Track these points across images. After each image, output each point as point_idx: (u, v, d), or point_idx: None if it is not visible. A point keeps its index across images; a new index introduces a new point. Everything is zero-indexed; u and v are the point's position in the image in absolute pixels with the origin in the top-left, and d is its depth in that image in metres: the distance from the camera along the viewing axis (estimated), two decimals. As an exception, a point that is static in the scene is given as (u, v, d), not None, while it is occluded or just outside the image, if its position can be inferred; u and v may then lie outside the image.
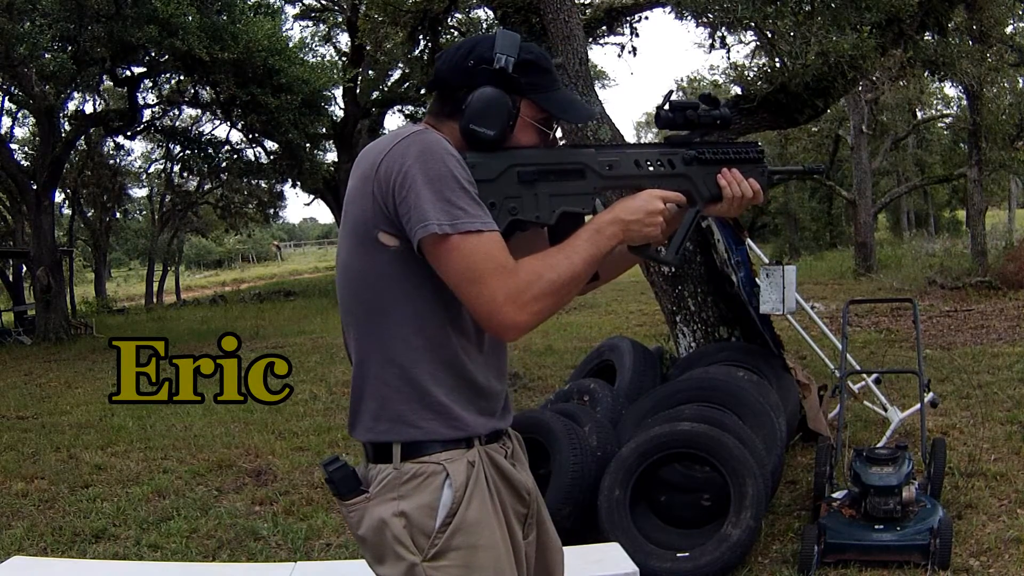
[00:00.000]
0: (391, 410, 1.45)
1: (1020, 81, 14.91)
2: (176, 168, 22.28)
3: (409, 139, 1.40)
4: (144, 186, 27.51)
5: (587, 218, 1.54)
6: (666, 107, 1.63)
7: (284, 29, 17.00)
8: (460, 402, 1.46)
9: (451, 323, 1.45)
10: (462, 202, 1.36)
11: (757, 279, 4.64)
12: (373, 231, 1.41)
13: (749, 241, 5.15)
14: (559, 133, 1.64)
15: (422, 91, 16.19)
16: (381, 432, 1.45)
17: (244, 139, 18.13)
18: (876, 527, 3.25)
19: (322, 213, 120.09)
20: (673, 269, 5.39)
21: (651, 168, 1.59)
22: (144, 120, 17.75)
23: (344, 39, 20.73)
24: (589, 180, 1.54)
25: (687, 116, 1.62)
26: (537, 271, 1.39)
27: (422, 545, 1.41)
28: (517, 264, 1.39)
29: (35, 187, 14.37)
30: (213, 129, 20.15)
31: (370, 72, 19.71)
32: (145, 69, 15.22)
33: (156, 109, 18.37)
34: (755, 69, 7.62)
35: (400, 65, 16.81)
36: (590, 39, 9.28)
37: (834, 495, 3.53)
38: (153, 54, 13.58)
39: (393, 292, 1.43)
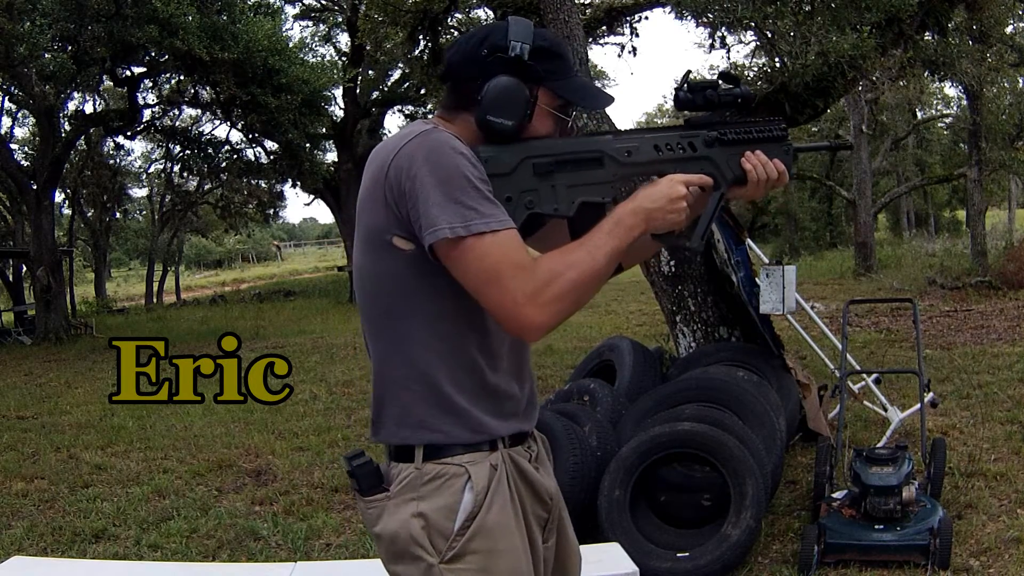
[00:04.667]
0: (413, 415, 1.43)
1: (1020, 81, 14.92)
2: (176, 168, 22.30)
3: (417, 140, 1.37)
4: (144, 186, 27.59)
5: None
6: (684, 87, 1.57)
7: (284, 29, 17.02)
8: (481, 405, 1.43)
9: (470, 325, 1.42)
10: (474, 202, 1.32)
11: (757, 279, 4.63)
12: (387, 235, 1.39)
13: (749, 241, 5.15)
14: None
15: (422, 91, 16.17)
16: (404, 437, 1.44)
17: (244, 139, 18.16)
18: (876, 527, 3.24)
19: (322, 213, 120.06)
20: (673, 268, 5.39)
21: (672, 152, 1.53)
22: (144, 120, 17.75)
23: (344, 39, 20.71)
24: (608, 168, 1.49)
25: (707, 96, 1.56)
26: (557, 269, 1.34)
27: (440, 547, 1.39)
28: (536, 262, 1.35)
29: (35, 187, 14.37)
30: (213, 129, 20.19)
31: (370, 72, 19.69)
32: (145, 69, 15.23)
33: (156, 109, 18.39)
34: (755, 69, 7.63)
35: (400, 65, 16.79)
36: (590, 39, 9.28)
37: (834, 495, 3.52)
38: (153, 54, 13.59)
39: (410, 296, 1.41)
